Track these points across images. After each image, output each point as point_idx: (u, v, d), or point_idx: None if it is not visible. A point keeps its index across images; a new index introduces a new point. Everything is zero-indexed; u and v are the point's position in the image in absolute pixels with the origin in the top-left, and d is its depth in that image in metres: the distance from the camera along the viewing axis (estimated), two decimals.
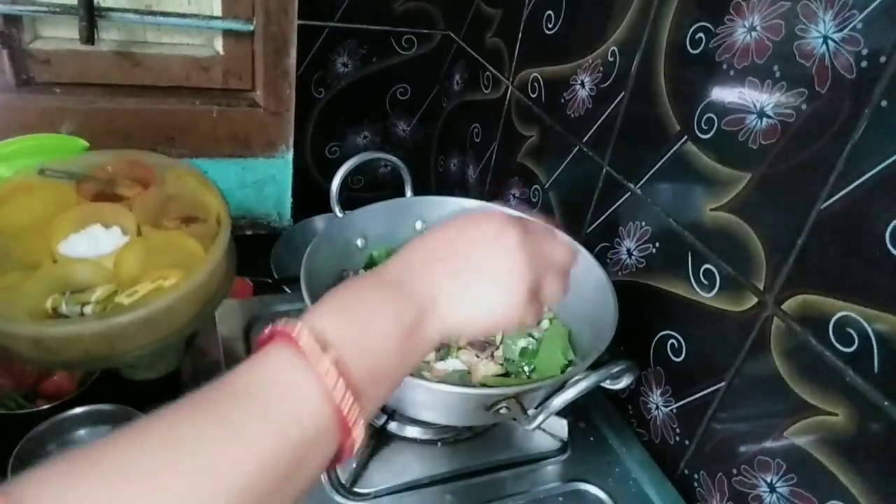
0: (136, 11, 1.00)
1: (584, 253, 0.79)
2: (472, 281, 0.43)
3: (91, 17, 0.95)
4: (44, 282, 0.68)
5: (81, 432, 0.85)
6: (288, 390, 0.35)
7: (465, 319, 0.43)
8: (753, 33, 0.62)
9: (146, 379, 0.91)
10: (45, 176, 0.77)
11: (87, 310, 0.66)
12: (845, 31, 0.53)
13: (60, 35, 1.04)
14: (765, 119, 0.61)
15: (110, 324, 0.62)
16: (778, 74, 0.60)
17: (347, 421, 0.36)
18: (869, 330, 0.52)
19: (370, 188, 1.40)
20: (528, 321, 0.46)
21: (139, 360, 0.68)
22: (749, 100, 0.63)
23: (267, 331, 0.38)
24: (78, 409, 0.84)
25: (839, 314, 0.55)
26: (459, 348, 0.75)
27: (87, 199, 0.78)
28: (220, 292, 0.73)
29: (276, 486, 0.33)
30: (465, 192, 1.26)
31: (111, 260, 0.70)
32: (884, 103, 0.51)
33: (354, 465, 0.66)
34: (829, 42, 0.55)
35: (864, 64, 0.52)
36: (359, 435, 0.37)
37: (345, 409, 0.35)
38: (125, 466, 0.30)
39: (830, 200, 0.56)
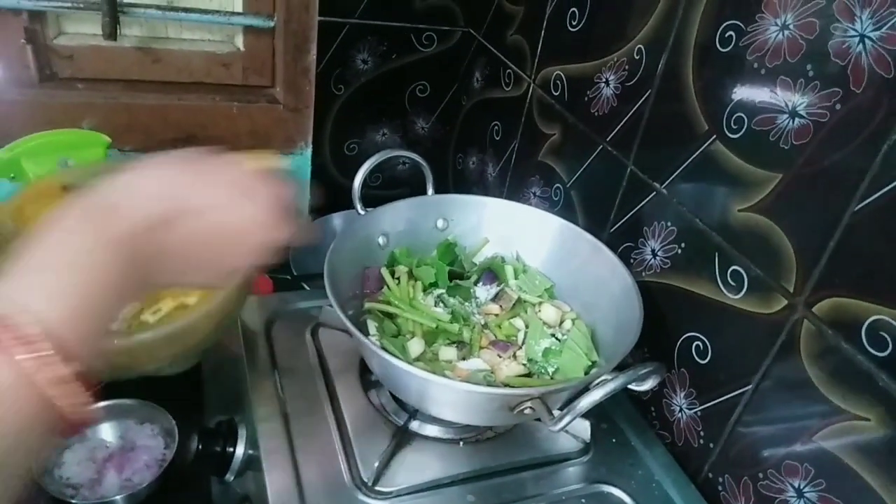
0: (158, 7, 1.01)
1: (608, 253, 0.79)
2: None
3: (114, 13, 0.95)
4: None
5: (104, 426, 0.86)
6: None
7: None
8: (786, 32, 0.61)
9: (167, 375, 0.92)
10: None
11: (114, 325, 0.67)
12: (883, 29, 0.52)
13: (83, 31, 1.04)
14: (797, 119, 0.60)
15: (135, 340, 0.62)
16: (811, 73, 0.59)
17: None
18: None
19: (388, 186, 1.40)
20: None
21: (157, 370, 0.69)
22: (781, 99, 0.62)
23: None
24: (100, 404, 0.85)
25: (872, 318, 0.54)
26: (481, 348, 0.75)
27: None
28: (236, 309, 0.74)
29: None
30: (483, 190, 1.26)
31: None
32: None
33: (377, 464, 0.66)
34: (866, 41, 0.54)
35: None
36: (77, 388, 0.35)
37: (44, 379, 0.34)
38: None
39: (865, 202, 0.55)
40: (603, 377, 0.61)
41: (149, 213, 0.42)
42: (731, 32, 0.67)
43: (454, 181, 1.41)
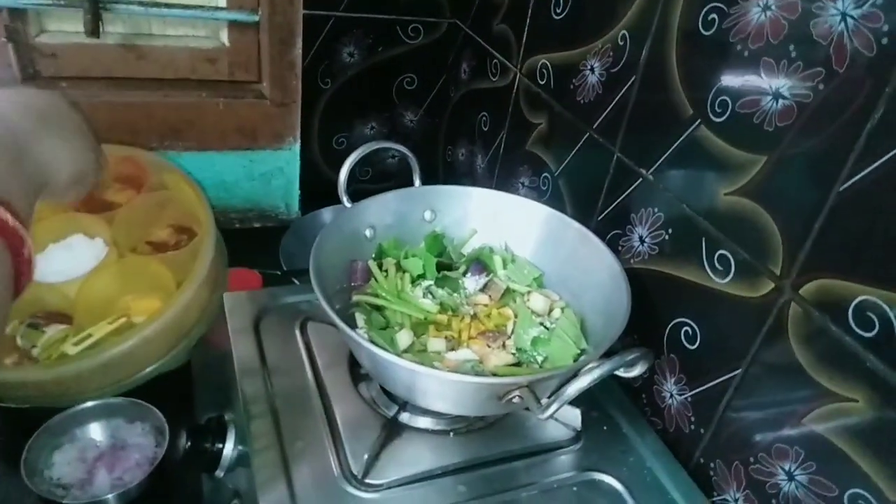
0: (140, 3, 1.00)
1: (596, 241, 0.79)
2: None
3: (96, 10, 0.94)
4: None
5: (93, 425, 0.85)
6: None
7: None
8: (768, 12, 0.60)
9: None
10: None
11: (35, 352, 0.64)
12: (865, 7, 0.52)
13: (66, 28, 1.03)
14: (780, 100, 0.60)
15: (57, 372, 0.60)
16: (794, 54, 0.58)
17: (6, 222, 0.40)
18: (890, 314, 0.51)
19: (377, 179, 1.39)
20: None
21: (108, 395, 0.67)
22: (764, 81, 0.61)
23: None
24: (90, 403, 0.84)
25: (859, 298, 0.54)
26: (470, 338, 0.75)
27: (69, 205, 0.75)
28: (203, 321, 0.71)
29: None
30: (473, 181, 1.25)
31: (76, 286, 0.68)
32: None
33: (367, 457, 0.66)
34: (848, 19, 0.53)
35: (884, 41, 0.51)
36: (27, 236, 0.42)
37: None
38: None
39: (849, 182, 0.54)
40: (591, 364, 0.60)
41: None
42: (714, 15, 0.66)
43: (444, 173, 1.41)
